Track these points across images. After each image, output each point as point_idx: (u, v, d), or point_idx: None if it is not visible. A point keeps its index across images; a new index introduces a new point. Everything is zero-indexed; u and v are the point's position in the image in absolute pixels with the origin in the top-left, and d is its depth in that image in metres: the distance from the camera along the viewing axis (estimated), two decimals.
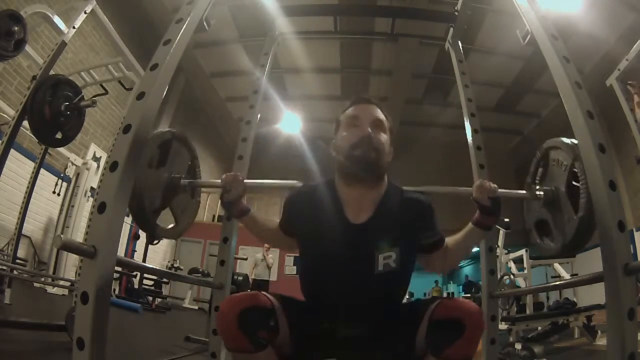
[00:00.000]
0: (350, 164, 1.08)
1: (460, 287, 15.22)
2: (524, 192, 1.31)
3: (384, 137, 1.12)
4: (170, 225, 1.30)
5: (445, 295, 10.99)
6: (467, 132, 1.99)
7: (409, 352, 1.00)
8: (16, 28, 2.55)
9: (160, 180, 1.20)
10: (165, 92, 1.09)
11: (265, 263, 7.46)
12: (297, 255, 1.23)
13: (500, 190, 1.11)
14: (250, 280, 6.32)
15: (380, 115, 1.14)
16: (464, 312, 0.92)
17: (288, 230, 1.22)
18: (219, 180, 1.19)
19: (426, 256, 1.16)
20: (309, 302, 1.14)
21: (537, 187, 1.29)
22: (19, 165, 4.35)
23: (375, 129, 1.10)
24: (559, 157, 1.21)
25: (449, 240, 1.17)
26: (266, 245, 7.25)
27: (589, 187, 1.04)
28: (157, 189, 1.18)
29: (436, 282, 14.78)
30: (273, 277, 9.01)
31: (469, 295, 11.77)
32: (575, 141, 1.13)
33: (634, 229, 6.13)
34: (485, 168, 1.86)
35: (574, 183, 1.12)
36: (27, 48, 2.78)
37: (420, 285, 13.74)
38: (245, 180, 1.21)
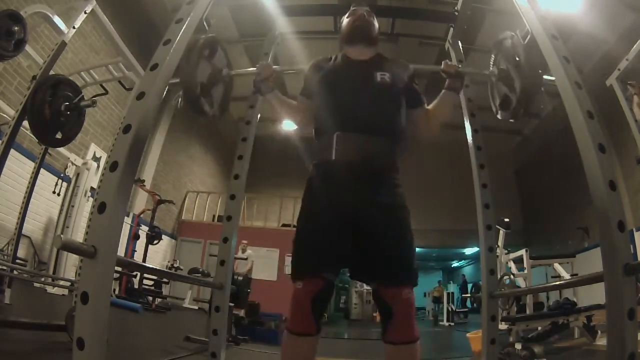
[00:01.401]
0: (352, 30, 1.51)
1: (459, 286, 15.25)
2: (486, 71, 1.71)
3: (375, 21, 1.55)
4: (210, 110, 1.58)
5: (445, 295, 10.98)
6: (467, 132, 1.99)
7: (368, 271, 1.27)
8: (16, 28, 2.55)
9: (207, 68, 1.53)
10: (165, 92, 1.09)
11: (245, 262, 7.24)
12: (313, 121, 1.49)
13: (463, 68, 1.55)
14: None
15: (370, 10, 1.57)
16: (394, 299, 1.18)
17: (307, 92, 1.51)
18: (254, 68, 1.57)
19: (412, 111, 1.46)
20: (320, 131, 1.40)
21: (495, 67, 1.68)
22: (19, 165, 4.35)
23: (367, 15, 1.53)
24: (506, 44, 1.58)
25: (429, 106, 1.50)
26: (244, 241, 7.49)
27: (530, 59, 1.40)
28: (204, 73, 1.51)
29: (439, 282, 14.80)
30: (273, 277, 9.03)
31: (467, 295, 11.79)
32: (514, 33, 1.52)
33: (634, 229, 6.12)
34: (486, 168, 1.86)
35: (517, 58, 1.48)
36: (27, 48, 2.78)
37: (421, 285, 13.74)
38: (273, 67, 1.58)
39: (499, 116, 1.69)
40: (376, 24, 1.56)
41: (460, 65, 1.57)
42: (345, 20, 1.58)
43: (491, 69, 1.69)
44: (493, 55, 1.70)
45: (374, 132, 1.31)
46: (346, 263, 1.28)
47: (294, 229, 1.38)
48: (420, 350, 1.19)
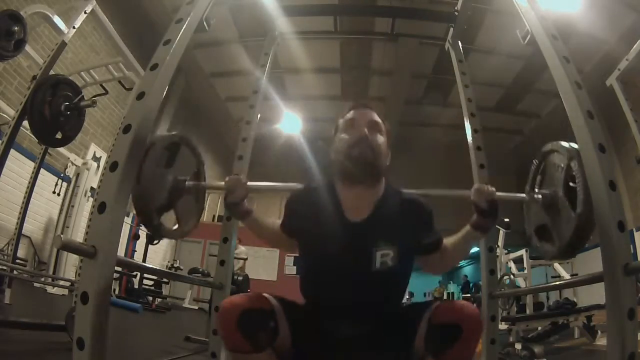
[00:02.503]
0: (349, 163, 1.11)
1: (460, 287, 15.24)
2: (522, 195, 1.30)
3: (381, 139, 1.14)
4: (175, 227, 1.30)
5: (445, 295, 10.98)
6: (467, 132, 1.99)
7: (408, 354, 1.01)
8: (16, 28, 2.55)
9: (166, 182, 1.21)
10: (165, 92, 1.09)
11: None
12: (297, 255, 1.24)
13: (498, 193, 1.11)
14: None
15: (377, 118, 1.17)
16: (462, 315, 0.93)
17: (289, 231, 1.23)
18: (223, 183, 1.22)
19: (424, 257, 1.18)
20: (308, 302, 1.15)
21: (536, 190, 1.29)
22: (19, 165, 4.35)
23: (371, 131, 1.13)
24: (556, 160, 1.20)
25: (447, 241, 1.18)
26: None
27: (588, 186, 1.04)
28: (163, 189, 1.20)
29: (439, 282, 14.80)
30: (273, 277, 9.03)
31: (468, 295, 11.79)
32: (572, 144, 1.14)
33: (634, 229, 6.13)
34: (485, 168, 1.86)
35: (571, 184, 1.11)
36: (27, 48, 2.78)
37: (421, 285, 13.75)
38: (248, 183, 1.23)
39: (532, 242, 1.33)
40: (383, 141, 1.15)
41: (494, 189, 1.11)
42: (340, 126, 1.19)
43: (534, 192, 1.28)
44: (534, 165, 1.30)
45: (373, 317, 1.08)
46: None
47: None
48: None
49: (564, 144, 1.17)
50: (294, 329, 1.03)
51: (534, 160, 1.32)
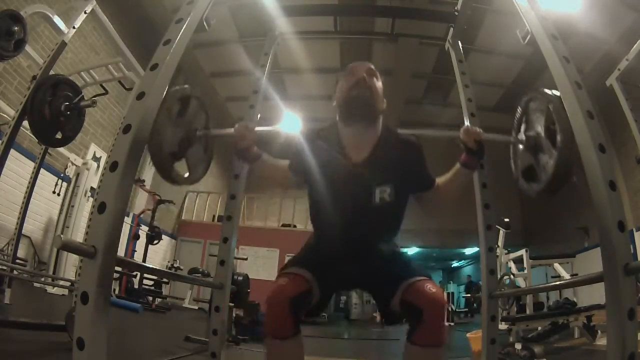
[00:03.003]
0: (348, 103, 1.24)
1: (462, 287, 15.23)
2: (508, 137, 1.39)
3: (378, 83, 1.28)
4: (185, 175, 1.37)
5: (445, 295, 10.97)
6: None
7: (386, 305, 1.21)
8: (16, 28, 2.55)
9: (178, 130, 1.30)
10: (165, 92, 1.09)
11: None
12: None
13: (486, 134, 1.25)
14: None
15: (373, 67, 1.31)
16: (425, 301, 1.08)
17: (297, 169, 1.33)
18: (232, 130, 1.30)
19: (419, 194, 1.32)
20: (317, 237, 1.32)
21: (521, 133, 1.38)
22: (19, 165, 4.35)
23: (369, 76, 1.26)
24: (537, 105, 1.29)
25: (439, 180, 1.31)
26: None
27: (567, 122, 1.12)
28: (176, 137, 1.28)
29: (439, 282, 14.81)
30: (273, 277, 8.99)
31: (469, 295, 11.78)
32: (550, 90, 1.22)
33: (634, 229, 6.13)
34: (486, 168, 1.86)
35: (551, 126, 1.20)
36: (27, 48, 2.78)
37: None
38: (256, 128, 1.32)
39: (520, 184, 1.41)
40: (379, 85, 1.29)
41: (480, 130, 1.25)
42: (341, 81, 1.31)
43: (519, 134, 1.36)
44: (518, 113, 1.39)
45: (373, 246, 1.25)
46: (345, 288, 1.32)
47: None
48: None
49: (543, 90, 1.25)
50: (322, 284, 1.20)
51: (517, 108, 1.40)
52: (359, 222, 1.20)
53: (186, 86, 1.34)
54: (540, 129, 1.25)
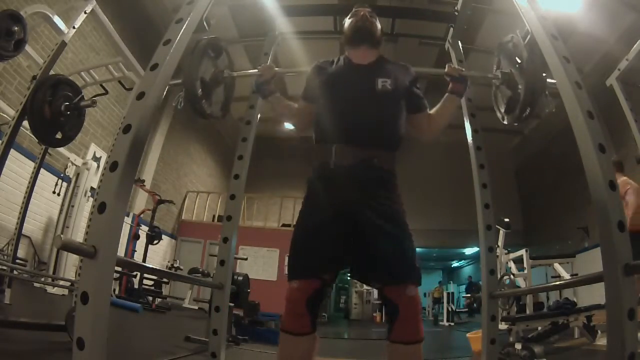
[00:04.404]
0: (354, 29, 1.48)
1: (462, 287, 15.22)
2: (488, 74, 1.67)
3: (378, 23, 1.52)
4: (210, 110, 1.61)
5: (445, 295, 10.98)
6: (467, 132, 1.99)
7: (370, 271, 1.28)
8: (16, 28, 2.55)
9: (209, 71, 1.58)
10: (165, 92, 1.09)
11: None
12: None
13: (466, 71, 1.52)
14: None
15: (371, 10, 1.54)
16: (402, 299, 1.18)
17: (309, 95, 1.51)
18: (256, 70, 1.57)
19: (413, 116, 1.46)
20: (319, 137, 1.40)
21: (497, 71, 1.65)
22: (19, 165, 4.35)
23: (370, 15, 1.50)
24: (507, 47, 1.58)
25: (432, 109, 1.49)
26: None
27: (535, 54, 1.36)
28: (207, 74, 1.55)
29: (440, 283, 14.81)
30: (273, 277, 9.02)
31: (469, 295, 11.78)
32: (516, 35, 1.51)
33: None
34: (486, 168, 1.86)
35: (518, 60, 1.49)
36: (27, 48, 2.78)
37: (421, 286, 13.73)
38: (276, 69, 1.57)
39: (504, 121, 1.66)
40: (379, 25, 1.53)
41: (463, 69, 1.53)
42: (347, 21, 1.55)
43: (494, 72, 1.66)
44: (496, 59, 1.68)
45: (373, 143, 1.32)
46: (345, 264, 1.30)
47: (294, 229, 1.39)
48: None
49: (512, 35, 1.54)
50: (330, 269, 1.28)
51: (494, 52, 1.70)
52: (363, 107, 1.34)
53: (221, 39, 1.63)
54: (512, 66, 1.53)
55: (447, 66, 1.52)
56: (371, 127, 1.33)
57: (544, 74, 1.40)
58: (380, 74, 1.40)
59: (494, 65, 1.69)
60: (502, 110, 1.65)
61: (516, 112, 1.52)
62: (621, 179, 3.85)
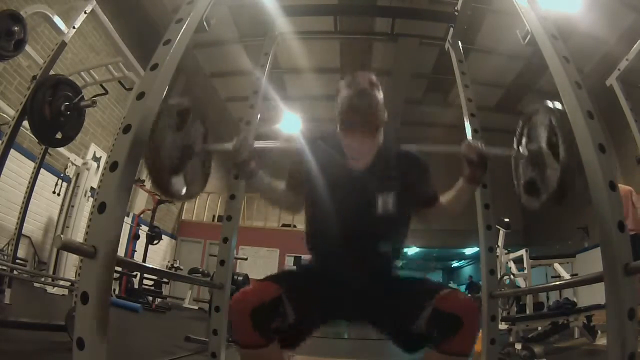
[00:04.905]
0: (351, 111, 1.23)
1: (462, 287, 15.18)
2: (510, 150, 1.34)
3: (379, 95, 1.26)
4: (183, 191, 1.33)
5: None
6: (467, 132, 1.99)
7: (406, 328, 1.08)
8: (16, 28, 2.55)
9: (176, 144, 1.26)
10: (165, 92, 1.09)
11: None
12: (304, 212, 1.30)
13: (487, 148, 1.20)
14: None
15: (375, 79, 1.28)
16: (463, 309, 1.00)
17: (296, 183, 1.29)
18: (230, 144, 1.26)
19: (421, 210, 1.28)
20: (313, 259, 1.23)
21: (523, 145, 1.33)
22: (19, 165, 4.35)
23: (370, 87, 1.24)
24: (540, 119, 1.25)
25: (442, 196, 1.26)
26: None
27: (570, 140, 1.09)
28: (174, 151, 1.24)
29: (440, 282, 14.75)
30: None
31: (469, 295, 11.74)
32: (553, 103, 1.19)
33: None
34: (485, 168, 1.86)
35: (554, 139, 1.16)
36: (27, 48, 2.78)
37: None
38: (255, 143, 1.29)
39: (522, 198, 1.36)
40: (381, 96, 1.26)
41: (482, 145, 1.20)
42: (342, 91, 1.28)
43: (521, 148, 1.31)
44: (519, 127, 1.35)
45: (372, 262, 1.16)
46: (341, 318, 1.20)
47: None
48: None
49: (546, 103, 1.21)
50: (300, 305, 1.07)
51: (519, 121, 1.36)
52: (363, 233, 1.13)
53: (185, 99, 1.31)
54: (542, 142, 1.21)
55: (463, 144, 1.20)
56: (369, 248, 1.15)
57: (579, 162, 1.10)
58: (381, 185, 1.15)
59: (518, 133, 1.36)
60: (521, 185, 1.35)
61: (541, 200, 1.23)
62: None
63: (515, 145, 1.35)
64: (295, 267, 1.34)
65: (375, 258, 1.16)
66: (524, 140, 1.32)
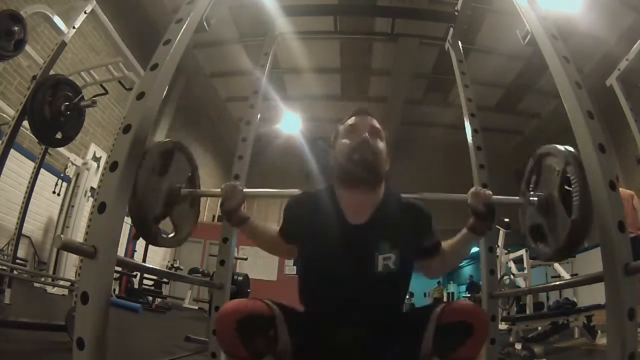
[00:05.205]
0: (350, 166, 1.12)
1: (462, 287, 15.20)
2: (518, 198, 1.28)
3: (381, 144, 1.16)
4: (171, 235, 1.30)
5: (445, 295, 10.97)
6: (467, 132, 1.99)
7: (414, 355, 1.02)
8: (16, 28, 2.55)
9: (161, 189, 1.20)
10: (165, 92, 1.09)
11: None
12: (297, 259, 1.24)
13: (494, 196, 1.14)
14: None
15: (377, 125, 1.18)
16: (471, 314, 0.96)
17: (288, 236, 1.23)
18: (219, 190, 1.22)
19: (423, 261, 1.19)
20: (308, 310, 1.14)
21: (531, 192, 1.26)
22: (19, 165, 4.34)
23: (372, 136, 1.14)
24: (552, 163, 1.18)
25: (445, 244, 1.19)
26: None
27: (585, 191, 1.03)
28: (158, 197, 1.18)
29: (439, 282, 14.80)
30: (272, 277, 9.03)
31: (469, 295, 11.77)
32: (567, 147, 1.12)
33: None
34: (485, 168, 1.86)
35: (566, 187, 1.09)
36: (27, 48, 2.78)
37: (421, 285, 13.75)
38: (245, 190, 1.23)
39: (527, 242, 1.31)
40: (383, 146, 1.16)
41: (490, 194, 1.14)
42: (341, 140, 1.18)
43: (530, 196, 1.24)
44: (529, 167, 1.28)
45: (369, 321, 1.06)
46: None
47: None
48: None
49: (560, 147, 1.15)
50: (294, 337, 1.03)
51: (528, 162, 1.30)
52: (360, 294, 1.06)
53: (167, 140, 1.25)
54: (553, 190, 1.14)
55: (470, 194, 1.14)
56: (371, 311, 1.07)
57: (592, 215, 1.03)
58: (381, 244, 1.07)
59: (526, 175, 1.29)
60: (528, 231, 1.29)
61: (547, 251, 1.18)
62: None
63: (522, 187, 1.30)
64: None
65: (373, 316, 1.07)
66: (532, 182, 1.26)
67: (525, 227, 1.30)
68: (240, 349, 0.92)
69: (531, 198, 1.22)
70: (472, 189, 1.15)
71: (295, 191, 1.29)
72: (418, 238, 1.15)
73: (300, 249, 1.19)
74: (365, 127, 1.15)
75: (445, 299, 11.03)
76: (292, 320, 1.04)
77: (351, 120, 1.19)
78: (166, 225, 1.30)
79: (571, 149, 1.11)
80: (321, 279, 1.11)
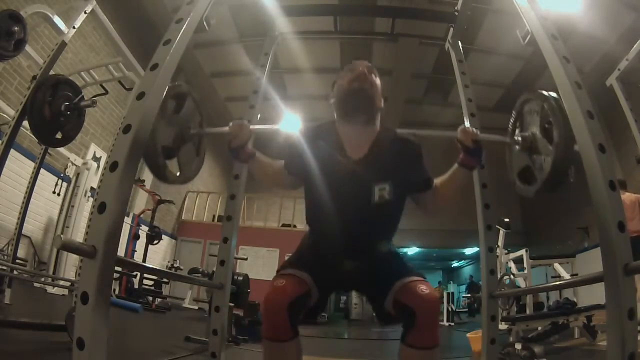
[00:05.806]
0: (349, 95, 1.22)
1: (462, 287, 15.21)
2: (504, 137, 1.38)
3: (376, 80, 1.26)
4: (177, 174, 1.35)
5: (445, 295, 10.98)
6: None
7: (380, 304, 1.20)
8: (16, 28, 2.55)
9: (172, 128, 1.26)
10: (165, 92, 1.09)
11: None
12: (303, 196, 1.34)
13: (482, 134, 1.24)
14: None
15: (371, 65, 1.28)
16: (418, 302, 1.06)
17: (292, 169, 1.31)
18: (227, 127, 1.28)
19: (417, 195, 1.29)
20: (314, 236, 1.31)
21: (517, 133, 1.36)
22: (19, 165, 4.35)
23: (369, 72, 1.24)
24: (532, 107, 1.29)
25: (438, 181, 1.28)
26: None
27: (567, 116, 1.11)
28: (169, 134, 1.24)
29: (439, 282, 14.82)
30: (272, 277, 9.02)
31: (469, 295, 11.77)
32: (543, 91, 1.22)
33: None
34: (485, 168, 1.86)
35: (546, 125, 1.19)
36: (27, 48, 2.78)
37: None
38: (251, 126, 1.30)
39: (517, 189, 1.38)
40: (378, 82, 1.26)
41: (478, 131, 1.24)
42: (340, 80, 1.28)
43: (515, 135, 1.34)
44: (513, 116, 1.38)
45: (368, 249, 1.24)
46: (342, 287, 1.37)
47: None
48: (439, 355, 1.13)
49: (538, 90, 1.24)
50: (317, 283, 1.19)
51: (512, 111, 1.39)
52: (358, 221, 1.19)
53: (182, 83, 1.31)
54: (535, 129, 1.24)
55: (459, 130, 1.24)
56: (368, 236, 1.23)
57: (574, 146, 1.11)
58: (378, 174, 1.19)
59: (512, 122, 1.39)
60: (517, 176, 1.36)
61: (535, 186, 1.25)
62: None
63: (509, 133, 1.38)
64: (296, 253, 1.41)
65: (369, 242, 1.23)
66: (517, 129, 1.36)
67: (513, 172, 1.39)
68: (288, 330, 1.07)
69: (517, 137, 1.32)
70: (461, 127, 1.26)
71: (297, 128, 1.36)
72: (410, 170, 1.25)
73: (305, 180, 1.29)
74: (362, 65, 1.25)
75: (445, 300, 11.01)
76: (315, 272, 1.19)
77: (348, 64, 1.29)
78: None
79: (551, 93, 1.19)
80: (323, 208, 1.21)
